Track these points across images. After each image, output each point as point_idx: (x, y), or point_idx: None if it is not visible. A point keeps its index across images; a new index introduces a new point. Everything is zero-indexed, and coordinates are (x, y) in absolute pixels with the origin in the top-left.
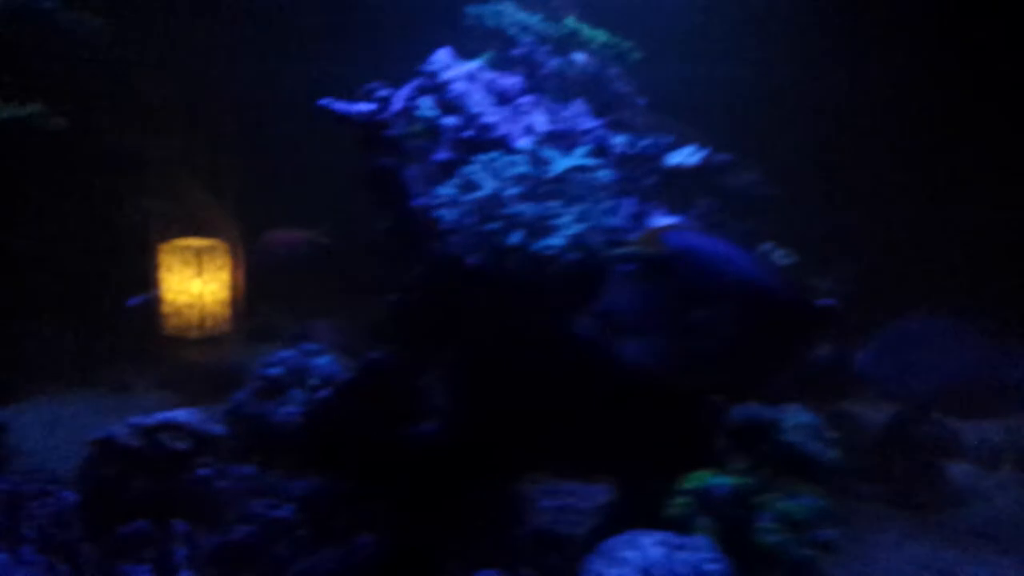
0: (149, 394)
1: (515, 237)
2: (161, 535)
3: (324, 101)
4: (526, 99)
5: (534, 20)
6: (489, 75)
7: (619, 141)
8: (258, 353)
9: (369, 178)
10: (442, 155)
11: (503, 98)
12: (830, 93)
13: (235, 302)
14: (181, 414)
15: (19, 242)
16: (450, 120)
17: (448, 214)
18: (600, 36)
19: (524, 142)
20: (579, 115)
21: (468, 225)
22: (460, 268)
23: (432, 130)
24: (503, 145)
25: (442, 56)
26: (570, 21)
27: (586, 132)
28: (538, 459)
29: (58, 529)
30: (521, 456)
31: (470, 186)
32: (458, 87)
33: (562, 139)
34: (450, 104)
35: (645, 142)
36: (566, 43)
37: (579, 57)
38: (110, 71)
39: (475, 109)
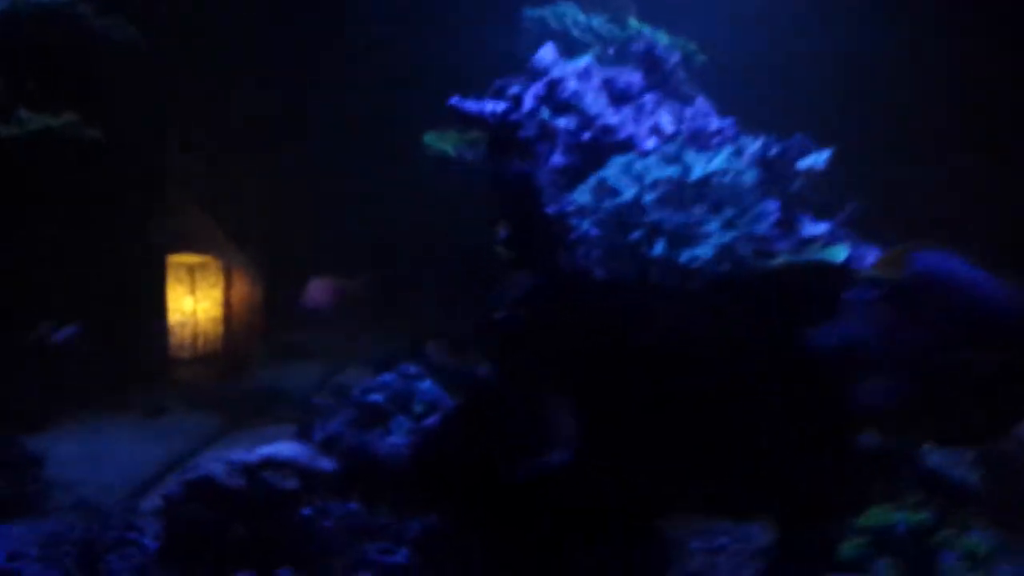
0: (187, 417)
1: (659, 247)
2: None
3: (454, 100)
4: (649, 97)
5: (598, 22)
6: (607, 72)
7: (751, 142)
8: (286, 371)
9: (500, 184)
10: (558, 160)
11: (623, 97)
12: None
13: (230, 320)
14: (286, 449)
15: (44, 260)
16: (565, 122)
17: (582, 223)
18: (663, 37)
19: (651, 144)
20: (706, 114)
21: (604, 235)
22: (591, 281)
23: (547, 133)
24: (629, 148)
25: (547, 53)
26: (634, 23)
27: (716, 133)
28: (682, 495)
29: None
30: (663, 492)
31: (608, 191)
32: (571, 86)
33: (691, 140)
34: (563, 104)
35: (779, 144)
36: (627, 45)
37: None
38: (143, 80)
39: (593, 110)
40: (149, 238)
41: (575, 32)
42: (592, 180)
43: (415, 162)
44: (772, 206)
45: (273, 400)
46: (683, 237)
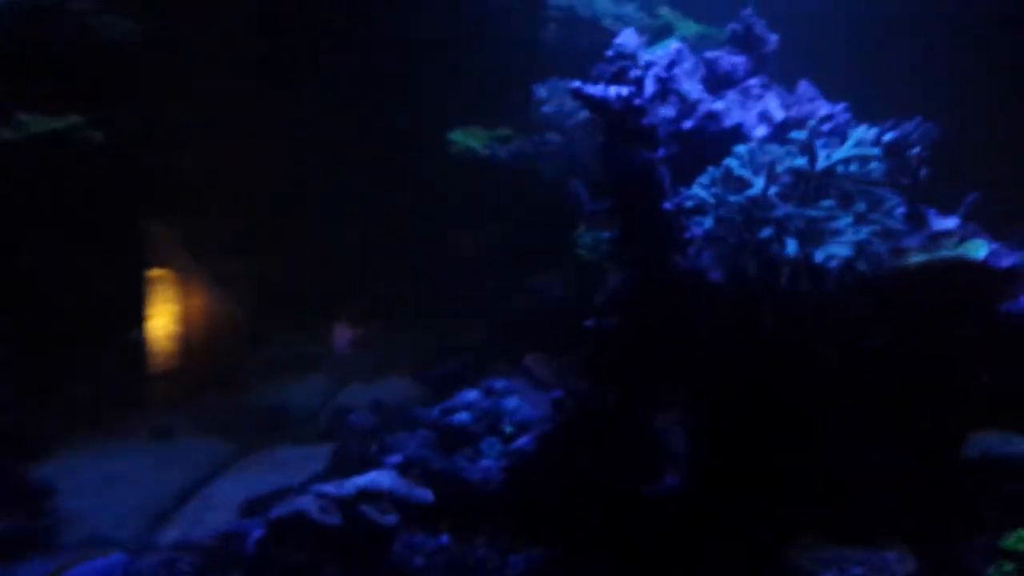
0: (197, 440)
1: (791, 246)
2: None
3: (576, 84)
4: (754, 81)
5: (628, 10)
6: (708, 54)
7: (865, 129)
8: (287, 386)
9: (625, 175)
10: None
11: (725, 80)
12: None
13: (194, 335)
14: (383, 479)
15: (48, 269)
16: (663, 109)
17: (703, 220)
18: (693, 26)
19: (761, 132)
20: (811, 98)
21: (728, 233)
22: (705, 283)
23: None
24: (737, 137)
25: (629, 37)
26: (665, 12)
27: (826, 118)
28: (807, 517)
29: None
30: (786, 514)
31: (734, 184)
32: (664, 72)
33: (799, 127)
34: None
35: (896, 130)
36: (660, 34)
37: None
38: (143, 77)
39: (693, 95)
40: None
41: (606, 21)
42: (713, 172)
43: (437, 160)
44: (897, 198)
45: (279, 418)
46: (813, 233)
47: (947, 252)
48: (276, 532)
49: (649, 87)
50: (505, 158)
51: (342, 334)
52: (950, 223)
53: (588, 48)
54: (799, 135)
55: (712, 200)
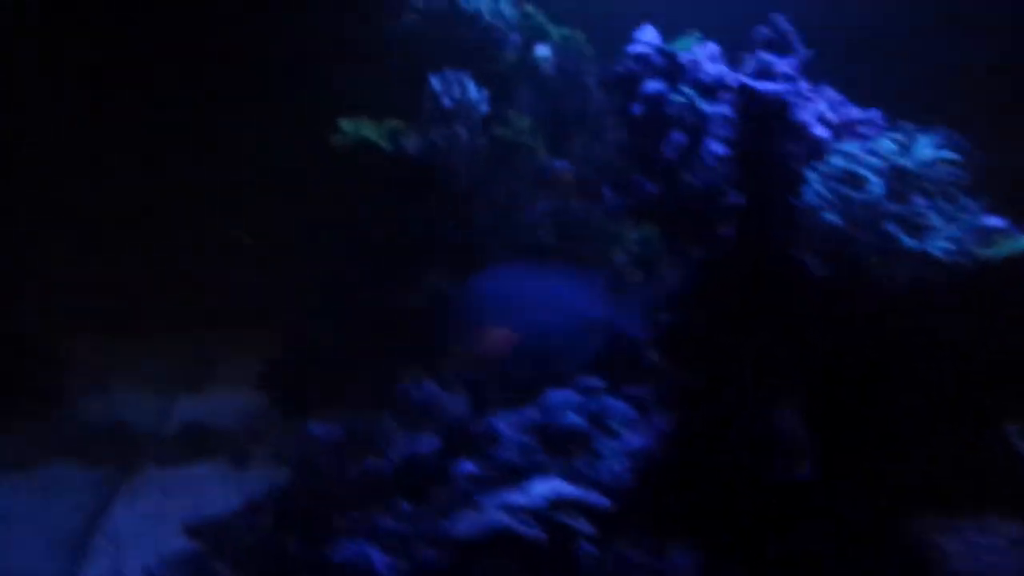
0: (57, 468)
1: (909, 240)
2: None
3: (744, 79)
4: (805, 85)
5: (503, 7)
6: (767, 57)
7: (929, 136)
8: (100, 398)
9: (771, 170)
10: (717, 149)
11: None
12: None
13: None
14: (564, 487)
15: None
16: (715, 109)
17: (826, 215)
18: (563, 31)
19: (822, 132)
20: (842, 102)
21: (852, 228)
22: (821, 278)
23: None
24: (802, 135)
25: (649, 34)
26: (534, 12)
27: (865, 122)
28: (924, 495)
29: None
30: (906, 494)
31: (850, 182)
32: (712, 69)
33: (844, 130)
34: (706, 89)
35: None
36: (534, 36)
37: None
38: None
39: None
40: None
41: (487, 17)
42: (822, 169)
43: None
44: (968, 198)
45: (124, 436)
46: (915, 228)
47: (1014, 246)
48: (469, 552)
49: (802, 83)
50: (413, 153)
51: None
52: (999, 221)
53: (469, 41)
54: (897, 135)
55: (832, 197)
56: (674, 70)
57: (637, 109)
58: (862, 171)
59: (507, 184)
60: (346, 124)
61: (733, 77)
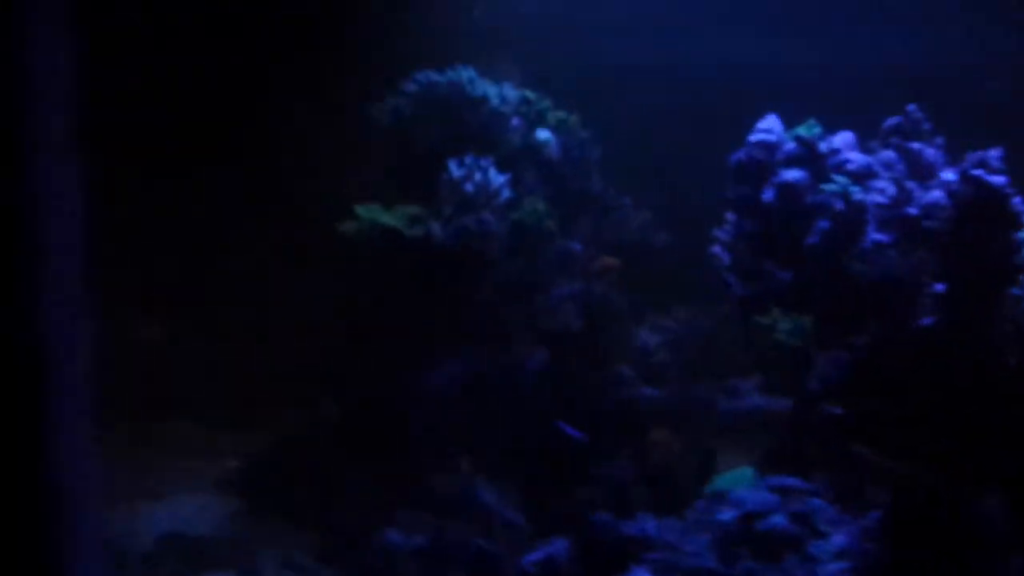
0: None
1: None
2: None
3: (978, 172)
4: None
5: (509, 92)
6: (915, 146)
7: None
8: None
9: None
10: (880, 237)
11: (928, 172)
12: None
13: None
14: None
15: None
16: (874, 198)
17: None
18: (559, 114)
19: None
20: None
21: None
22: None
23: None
24: None
25: (772, 122)
26: (535, 97)
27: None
28: None
29: None
30: None
31: None
32: (857, 158)
33: None
34: (857, 177)
35: None
36: (535, 120)
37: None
38: None
39: (905, 185)
40: None
41: (494, 102)
42: None
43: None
44: None
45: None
46: None
47: None
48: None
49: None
50: (442, 239)
51: None
52: None
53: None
54: None
55: None
56: (814, 158)
57: (770, 196)
58: None
59: (529, 268)
60: (362, 210)
61: (946, 167)
